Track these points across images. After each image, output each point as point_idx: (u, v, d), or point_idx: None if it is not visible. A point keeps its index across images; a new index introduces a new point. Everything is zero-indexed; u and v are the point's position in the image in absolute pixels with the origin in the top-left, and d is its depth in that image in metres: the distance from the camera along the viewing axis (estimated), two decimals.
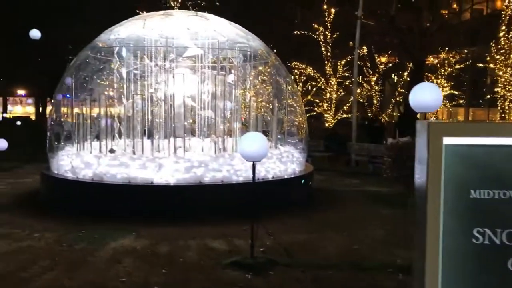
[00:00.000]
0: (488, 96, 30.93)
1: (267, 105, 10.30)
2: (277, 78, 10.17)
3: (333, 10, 23.47)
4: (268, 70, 10.15)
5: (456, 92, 33.12)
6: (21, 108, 65.87)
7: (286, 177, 9.12)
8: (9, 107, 45.93)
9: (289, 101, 9.85)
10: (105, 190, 8.18)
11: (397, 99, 32.37)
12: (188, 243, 6.70)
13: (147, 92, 9.60)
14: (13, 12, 31.67)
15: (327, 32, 24.34)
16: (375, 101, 32.34)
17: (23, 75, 41.04)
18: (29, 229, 7.34)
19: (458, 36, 22.22)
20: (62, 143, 9.82)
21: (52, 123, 9.88)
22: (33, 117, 54.19)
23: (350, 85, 28.50)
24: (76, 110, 9.59)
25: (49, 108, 41.98)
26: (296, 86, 10.61)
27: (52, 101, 11.39)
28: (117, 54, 9.51)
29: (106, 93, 9.95)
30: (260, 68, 10.25)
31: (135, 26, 9.48)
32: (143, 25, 9.09)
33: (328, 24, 24.17)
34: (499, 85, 24.79)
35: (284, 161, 9.27)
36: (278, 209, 8.31)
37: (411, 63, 22.76)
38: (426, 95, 5.35)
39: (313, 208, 9.07)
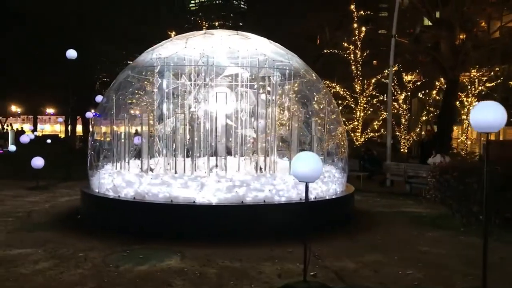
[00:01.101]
0: None
1: (305, 123, 10.15)
2: (316, 94, 10.06)
3: (363, 29, 23.39)
4: (307, 87, 10.04)
5: None
6: (50, 126, 67.38)
7: (328, 197, 8.93)
8: (39, 126, 46.88)
9: (330, 118, 9.71)
10: (147, 209, 8.11)
11: (428, 117, 32.03)
12: (235, 265, 6.55)
13: (187, 111, 9.57)
14: (41, 33, 32.46)
15: (357, 51, 24.25)
16: (403, 120, 32.04)
17: (52, 94, 41.93)
18: (72, 248, 7.31)
19: (491, 54, 21.78)
20: (102, 162, 9.85)
21: (93, 142, 9.92)
22: (61, 135, 55.30)
23: (378, 104, 28.29)
24: (116, 128, 9.61)
25: (79, 127, 42.74)
26: (335, 103, 10.42)
27: (92, 121, 11.46)
28: (158, 74, 9.54)
29: (146, 112, 9.98)
30: (299, 86, 10.15)
31: (176, 46, 9.52)
32: (185, 45, 9.11)
33: (358, 43, 24.08)
34: None
35: (325, 181, 9.09)
36: (322, 230, 8.12)
37: (444, 81, 22.38)
38: (490, 115, 5.15)
39: (357, 230, 8.83)
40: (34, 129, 42.78)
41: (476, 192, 8.93)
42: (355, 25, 23.77)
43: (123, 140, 9.52)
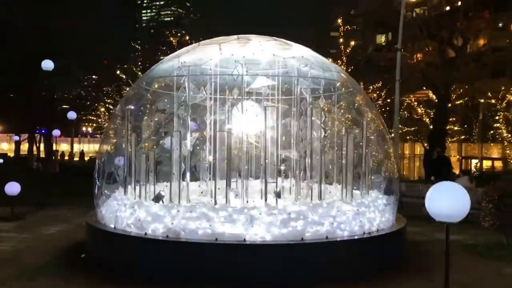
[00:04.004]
0: (477, 131, 31.05)
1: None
2: (360, 108, 8.95)
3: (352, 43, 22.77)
4: (355, 100, 8.90)
5: (455, 128, 33.20)
6: None
7: (388, 230, 7.70)
8: None
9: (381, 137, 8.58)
10: (186, 250, 6.57)
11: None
12: None
13: (216, 128, 8.13)
14: None
15: (342, 66, 23.57)
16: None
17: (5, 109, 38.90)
18: None
19: (481, 69, 21.58)
20: (104, 188, 8.21)
21: (101, 163, 8.26)
22: (11, 154, 51.29)
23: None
24: (131, 148, 8.02)
25: (36, 146, 39.62)
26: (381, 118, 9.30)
27: (102, 138, 9.72)
28: (180, 85, 8.08)
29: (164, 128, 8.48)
30: (347, 97, 8.97)
31: (204, 52, 8.11)
32: (220, 51, 7.73)
33: (344, 58, 23.42)
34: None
35: (382, 210, 7.87)
36: (385, 268, 6.99)
37: (436, 98, 21.93)
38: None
39: (420, 266, 7.67)
40: None
41: None
42: (341, 40, 23.10)
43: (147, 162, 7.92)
